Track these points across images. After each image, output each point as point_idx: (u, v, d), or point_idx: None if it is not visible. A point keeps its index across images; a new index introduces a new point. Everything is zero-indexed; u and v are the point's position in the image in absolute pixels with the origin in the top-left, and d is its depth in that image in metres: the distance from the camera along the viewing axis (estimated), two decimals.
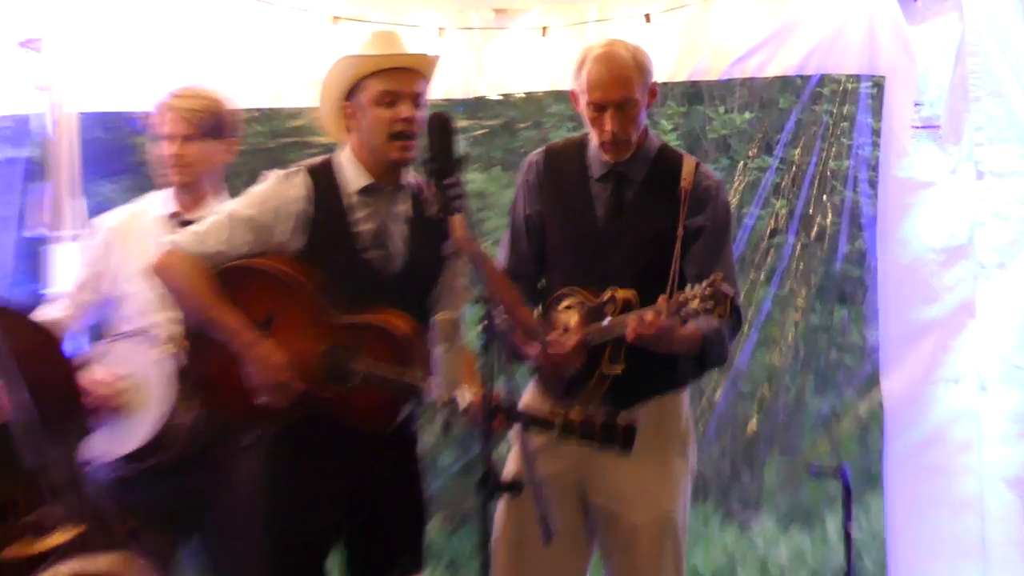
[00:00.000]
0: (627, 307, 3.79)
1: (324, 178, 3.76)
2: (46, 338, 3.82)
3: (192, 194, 4.35)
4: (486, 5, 5.22)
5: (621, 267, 3.91)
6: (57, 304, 4.37)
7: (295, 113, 7.14)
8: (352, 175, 3.76)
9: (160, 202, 4.43)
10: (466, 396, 3.28)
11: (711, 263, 3.87)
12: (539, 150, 4.18)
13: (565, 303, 3.95)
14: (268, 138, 7.33)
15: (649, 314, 3.66)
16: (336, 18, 5.05)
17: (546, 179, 4.09)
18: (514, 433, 3.94)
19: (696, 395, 6.96)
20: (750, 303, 6.85)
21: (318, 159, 3.86)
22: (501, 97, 6.60)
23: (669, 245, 3.87)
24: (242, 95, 5.23)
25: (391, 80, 3.68)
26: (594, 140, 3.97)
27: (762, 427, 7.26)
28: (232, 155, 4.43)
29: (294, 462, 3.74)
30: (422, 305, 3.77)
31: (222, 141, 4.36)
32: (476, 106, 7.32)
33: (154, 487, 4.04)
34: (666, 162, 4.01)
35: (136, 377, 4.09)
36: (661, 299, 3.66)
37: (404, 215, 3.79)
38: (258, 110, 6.97)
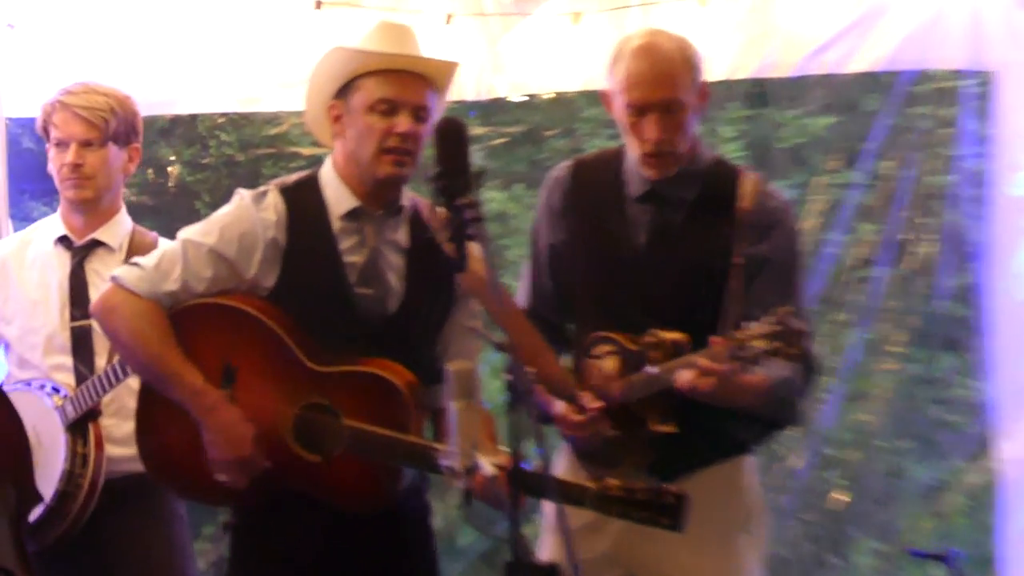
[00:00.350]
0: (676, 351, 3.77)
1: (303, 199, 3.77)
2: None
3: (88, 213, 4.41)
4: None
5: (666, 307, 3.90)
6: None
7: (271, 119, 7.17)
8: (334, 196, 3.77)
9: (48, 227, 4.48)
10: (489, 464, 3.29)
11: (778, 302, 3.77)
12: (565, 164, 4.18)
13: (599, 349, 3.94)
14: (237, 149, 7.32)
15: (703, 359, 3.64)
16: (319, 2, 5.08)
17: (574, 200, 4.08)
18: (548, 508, 3.94)
19: (770, 461, 6.94)
20: (833, 350, 6.86)
21: (297, 176, 3.87)
22: (524, 99, 6.63)
23: (725, 278, 3.86)
24: (206, 98, 5.28)
25: (392, 84, 3.68)
26: (632, 151, 3.95)
27: (851, 501, 7.23)
28: (134, 166, 4.49)
29: (260, 559, 3.76)
30: (421, 355, 3.76)
31: (126, 148, 4.41)
32: (493, 109, 7.38)
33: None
34: (721, 179, 4.00)
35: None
36: (714, 341, 3.64)
37: (399, 245, 3.80)
38: (224, 115, 7.01)
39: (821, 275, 6.87)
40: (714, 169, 4.03)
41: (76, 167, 4.35)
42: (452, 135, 3.27)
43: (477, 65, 5.29)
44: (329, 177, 3.78)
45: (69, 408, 4.24)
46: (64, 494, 4.22)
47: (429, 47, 3.88)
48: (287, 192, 3.77)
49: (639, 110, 3.88)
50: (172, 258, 3.72)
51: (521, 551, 3.02)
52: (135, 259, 3.79)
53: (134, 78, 4.69)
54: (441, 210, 3.24)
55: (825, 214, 7.12)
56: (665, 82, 3.86)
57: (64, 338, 4.33)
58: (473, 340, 3.86)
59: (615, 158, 4.08)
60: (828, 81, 7.30)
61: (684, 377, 3.66)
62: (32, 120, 4.53)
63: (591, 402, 3.82)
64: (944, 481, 7.23)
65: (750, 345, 3.56)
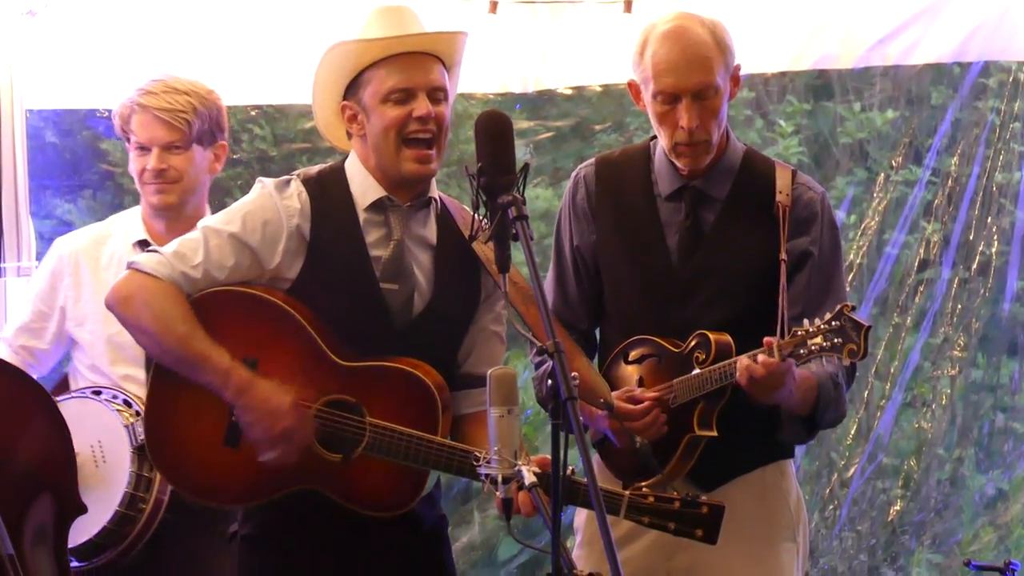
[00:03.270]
0: (721, 354, 3.76)
1: (329, 190, 3.74)
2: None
3: (172, 218, 4.35)
4: None
5: (704, 312, 3.89)
6: None
7: (306, 112, 7.11)
8: (360, 188, 3.73)
9: (126, 226, 4.40)
10: (530, 472, 3.23)
11: (822, 297, 3.84)
12: (588, 162, 4.15)
13: (637, 353, 3.93)
14: (271, 144, 7.34)
15: (761, 355, 3.63)
16: None
17: (600, 200, 4.06)
18: (582, 523, 3.94)
19: (826, 471, 6.89)
20: (893, 355, 6.84)
21: (321, 167, 3.84)
22: (572, 91, 6.59)
23: (769, 277, 3.82)
24: (237, 90, 5.24)
25: (402, 70, 3.62)
26: (664, 143, 3.92)
27: (909, 512, 7.18)
28: (221, 164, 4.42)
29: (267, 570, 3.73)
30: (445, 357, 3.73)
31: (212, 148, 4.33)
32: (540, 102, 7.33)
33: None
34: (755, 172, 3.98)
35: (87, 446, 4.06)
36: (768, 340, 3.62)
37: (427, 241, 3.76)
38: (258, 108, 7.04)
39: (882, 276, 6.86)
40: (747, 162, 4.02)
41: (160, 172, 4.30)
42: (495, 129, 3.24)
43: (523, 56, 5.31)
44: (355, 169, 3.75)
45: (138, 428, 4.15)
46: (124, 517, 4.17)
47: (473, 37, 3.81)
48: (310, 183, 3.74)
49: (671, 98, 3.85)
50: (193, 245, 3.67)
51: (563, 562, 3.00)
52: (153, 247, 3.76)
53: (161, 68, 4.62)
54: (483, 208, 3.22)
55: (887, 213, 7.11)
56: (697, 67, 3.83)
57: (137, 349, 4.24)
58: (497, 345, 3.85)
59: (642, 155, 4.07)
60: (892, 73, 7.28)
61: (743, 368, 3.64)
62: (55, 112, 4.50)
63: (644, 393, 3.82)
64: (1006, 491, 7.18)
65: (811, 344, 3.58)
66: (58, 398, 4.18)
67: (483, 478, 3.25)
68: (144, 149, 4.30)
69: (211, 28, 5.17)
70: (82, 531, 4.05)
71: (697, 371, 3.77)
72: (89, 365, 4.37)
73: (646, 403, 3.80)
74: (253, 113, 7.11)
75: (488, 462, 3.15)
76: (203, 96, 4.33)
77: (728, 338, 3.78)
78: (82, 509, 3.92)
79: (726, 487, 3.83)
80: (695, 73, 3.81)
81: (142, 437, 4.10)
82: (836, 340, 3.54)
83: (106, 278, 4.28)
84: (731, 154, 3.98)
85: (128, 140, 4.36)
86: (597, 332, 4.15)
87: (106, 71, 4.88)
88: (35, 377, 4.29)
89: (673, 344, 3.86)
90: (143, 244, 4.31)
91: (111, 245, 4.40)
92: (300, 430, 3.56)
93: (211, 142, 4.34)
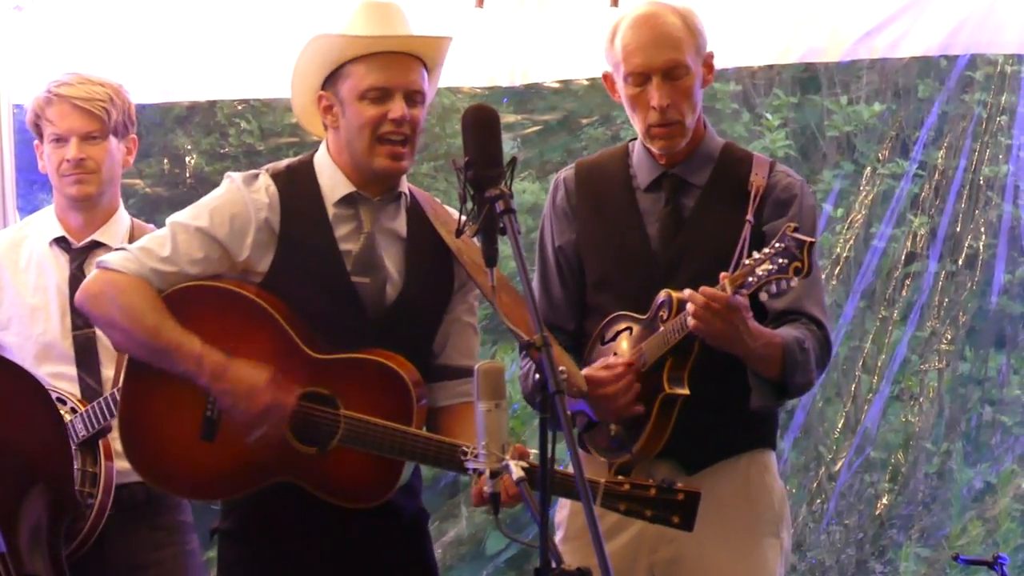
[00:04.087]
0: (684, 307, 3.72)
1: (298, 184, 3.73)
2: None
3: (88, 210, 4.32)
4: None
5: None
6: None
7: None
8: (329, 182, 3.74)
9: (41, 226, 4.38)
10: (518, 466, 3.24)
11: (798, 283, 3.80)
12: (569, 166, 4.16)
13: (613, 330, 3.93)
14: (258, 138, 7.34)
15: (707, 291, 3.61)
16: None
17: (580, 199, 4.05)
18: (565, 518, 3.99)
19: (814, 463, 6.91)
20: (880, 348, 6.84)
21: (290, 161, 3.84)
22: (559, 84, 6.60)
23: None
24: (225, 84, 5.23)
25: (381, 69, 3.62)
26: (638, 128, 3.92)
27: (896, 505, 7.22)
28: (132, 158, 4.42)
29: (248, 564, 3.74)
30: (419, 349, 3.73)
31: (125, 141, 4.34)
32: (527, 96, 7.36)
33: None
34: (734, 161, 3.98)
35: None
36: (722, 276, 3.63)
37: (397, 234, 3.76)
38: (245, 102, 7.02)
39: (869, 269, 6.87)
40: (726, 152, 4.02)
41: (79, 162, 4.25)
42: (483, 123, 3.21)
43: (510, 49, 5.29)
44: (324, 163, 3.75)
45: (79, 425, 4.16)
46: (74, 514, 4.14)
47: (460, 31, 3.81)
48: (279, 176, 3.73)
49: (641, 78, 3.85)
50: (161, 241, 3.67)
51: (551, 556, 2.97)
52: (122, 245, 3.75)
53: (149, 63, 4.65)
54: (469, 201, 3.19)
55: (874, 205, 7.15)
56: (666, 45, 3.84)
57: (66, 347, 4.25)
58: (472, 336, 3.84)
59: (621, 154, 4.07)
60: (879, 66, 7.31)
61: (692, 310, 3.62)
62: None
63: (616, 360, 3.81)
64: (994, 484, 7.22)
65: (757, 272, 3.56)
66: None
67: (471, 472, 3.28)
68: (61, 140, 4.26)
69: (198, 22, 5.14)
70: None
71: (661, 328, 3.76)
72: None
73: (619, 368, 3.79)
74: (240, 107, 7.12)
75: (476, 456, 3.15)
76: (116, 89, 4.31)
77: (691, 295, 3.72)
78: (78, 506, 3.92)
79: (709, 478, 3.80)
80: (663, 50, 3.82)
81: (83, 432, 4.13)
82: (781, 261, 3.51)
83: (26, 279, 4.31)
84: (709, 142, 3.98)
85: (40, 136, 4.33)
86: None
87: (92, 66, 4.84)
88: None
89: (642, 313, 3.87)
90: (60, 241, 4.30)
91: (27, 246, 4.36)
92: (281, 404, 3.56)
93: (124, 134, 4.32)
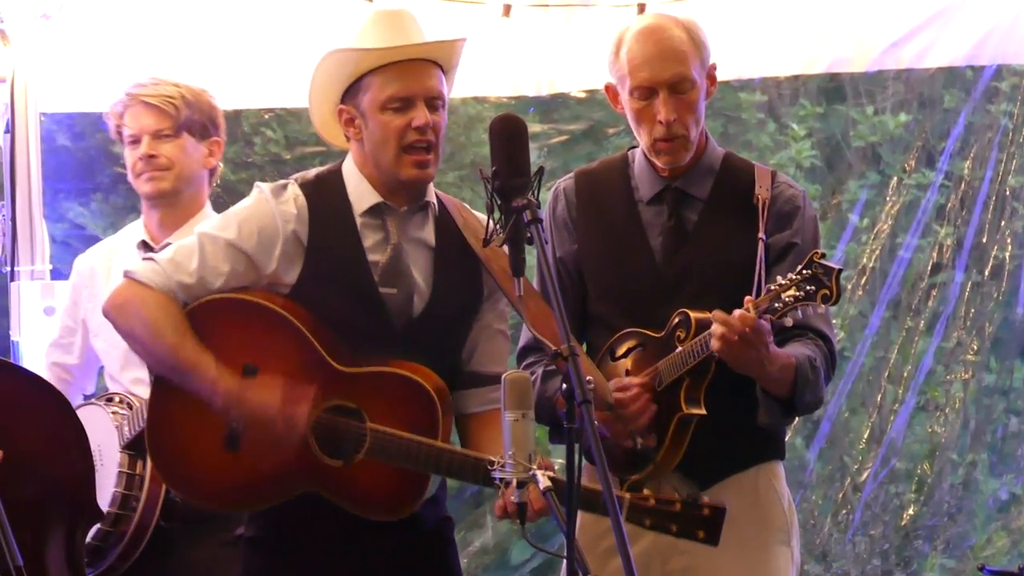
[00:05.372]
0: (703, 330, 3.73)
1: (326, 194, 3.72)
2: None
3: (168, 211, 4.33)
4: None
5: (690, 309, 3.83)
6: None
7: None
8: (356, 192, 3.73)
9: (133, 234, 4.41)
10: (545, 477, 3.24)
11: None
12: (567, 176, 4.15)
13: (624, 348, 3.92)
14: (284, 147, 7.34)
15: (735, 316, 3.61)
16: None
17: (580, 210, 4.04)
18: (578, 524, 3.95)
19: (839, 474, 6.90)
20: (906, 359, 6.82)
21: (319, 170, 3.82)
22: (585, 94, 6.60)
23: (754, 272, 3.80)
24: (250, 93, 5.24)
25: (399, 78, 3.61)
26: (643, 142, 3.91)
27: (922, 516, 7.21)
28: (216, 161, 4.43)
29: (279, 566, 3.73)
30: (447, 358, 3.72)
31: (205, 142, 4.34)
32: (554, 105, 7.35)
33: None
34: (735, 172, 3.97)
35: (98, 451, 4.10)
36: (747, 300, 3.63)
37: (426, 242, 3.75)
38: (270, 111, 7.03)
39: (895, 280, 6.85)
40: (727, 163, 4.01)
41: (150, 159, 4.27)
42: (510, 132, 3.22)
43: (537, 59, 5.29)
44: (351, 173, 3.74)
45: (125, 427, 4.18)
46: (118, 517, 4.14)
47: (487, 40, 3.81)
48: (307, 186, 3.72)
49: (647, 92, 3.84)
50: (188, 252, 3.65)
51: (578, 566, 2.99)
52: (149, 254, 3.75)
53: (175, 71, 4.63)
54: (497, 212, 3.20)
55: (900, 216, 7.12)
56: (672, 59, 3.83)
57: None
58: (502, 343, 3.82)
59: (621, 164, 4.06)
60: (905, 76, 7.29)
61: (718, 333, 3.62)
62: (68, 115, 4.49)
63: (631, 380, 3.81)
64: (1019, 495, 7.23)
65: (785, 297, 3.56)
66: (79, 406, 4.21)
67: (497, 482, 3.24)
68: (136, 142, 4.29)
69: (223, 31, 5.14)
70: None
71: (679, 348, 3.76)
72: (108, 374, 4.38)
73: (634, 389, 3.78)
74: (266, 116, 7.11)
75: (503, 466, 3.14)
76: (194, 91, 4.33)
77: (708, 315, 3.72)
78: (99, 515, 3.93)
79: (720, 489, 3.80)
80: (670, 65, 3.80)
81: (128, 436, 4.14)
82: (809, 288, 3.52)
83: (114, 286, 4.35)
84: (711, 154, 3.97)
85: (122, 140, 4.36)
86: (584, 345, 4.14)
87: (119, 74, 4.85)
88: (75, 392, 4.37)
89: (656, 331, 3.85)
90: (143, 245, 4.32)
91: (121, 254, 4.39)
92: (294, 425, 3.55)
93: (204, 136, 4.32)
